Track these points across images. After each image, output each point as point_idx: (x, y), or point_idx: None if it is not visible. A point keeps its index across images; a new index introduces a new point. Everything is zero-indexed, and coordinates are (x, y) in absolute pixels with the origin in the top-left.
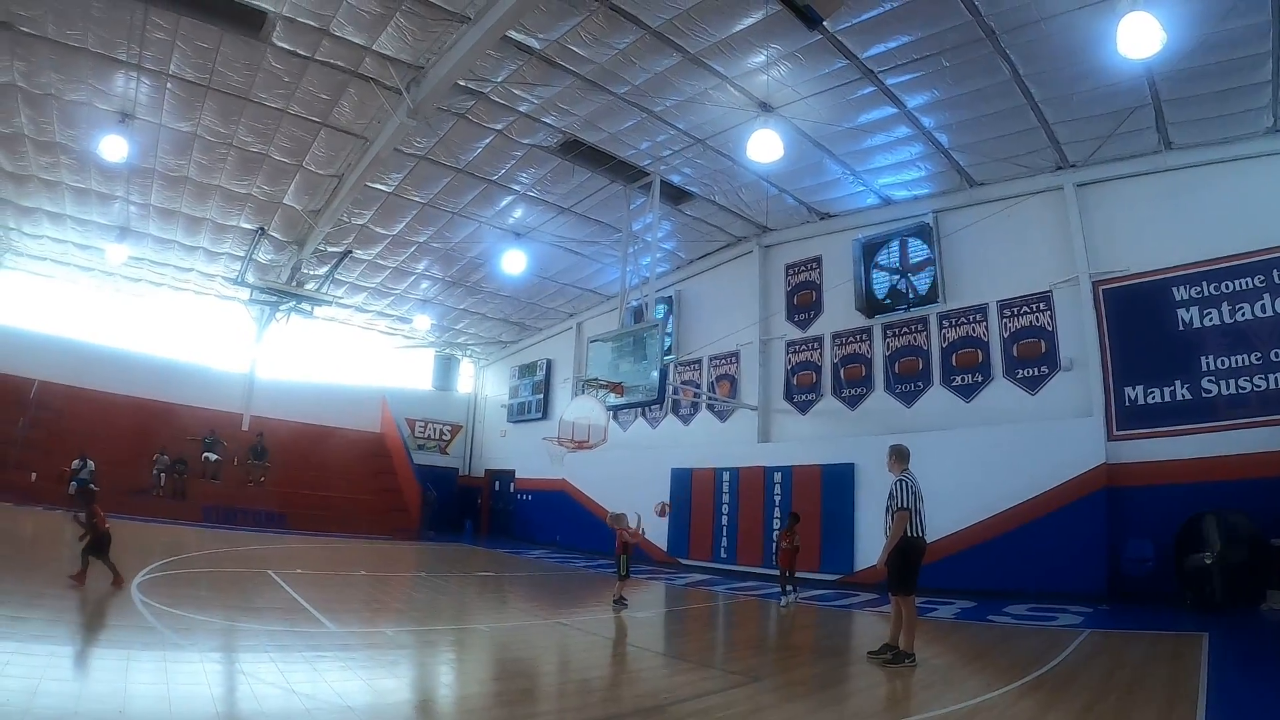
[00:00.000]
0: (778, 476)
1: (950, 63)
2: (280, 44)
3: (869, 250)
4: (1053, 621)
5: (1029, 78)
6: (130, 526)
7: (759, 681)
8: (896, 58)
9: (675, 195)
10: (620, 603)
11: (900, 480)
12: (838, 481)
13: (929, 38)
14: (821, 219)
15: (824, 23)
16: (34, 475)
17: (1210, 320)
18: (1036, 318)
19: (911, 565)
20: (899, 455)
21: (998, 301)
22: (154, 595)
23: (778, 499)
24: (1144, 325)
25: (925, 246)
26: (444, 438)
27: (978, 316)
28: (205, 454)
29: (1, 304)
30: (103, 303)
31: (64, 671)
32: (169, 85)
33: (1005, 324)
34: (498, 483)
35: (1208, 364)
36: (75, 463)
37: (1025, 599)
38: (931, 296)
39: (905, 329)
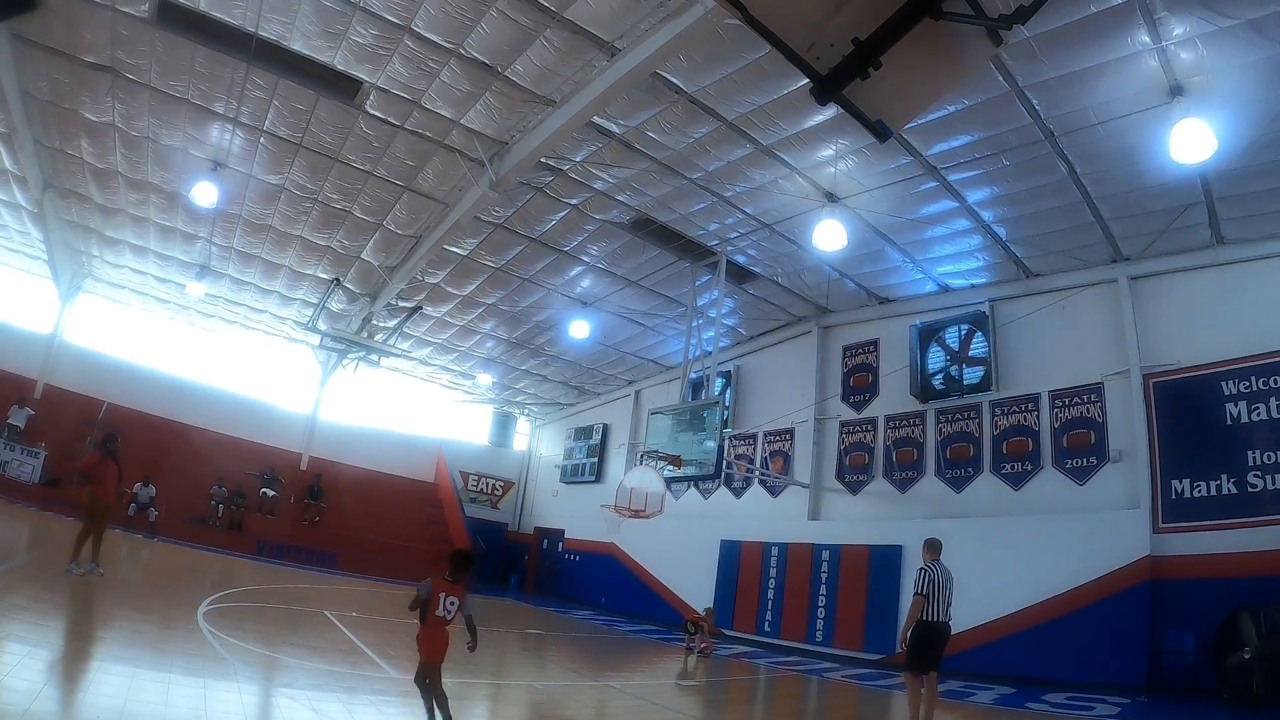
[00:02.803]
0: (825, 554)
1: (1010, 161)
2: (373, 111)
3: (925, 336)
4: (1089, 711)
5: (1086, 176)
6: (187, 553)
7: None
8: (959, 156)
9: (739, 274)
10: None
11: (922, 568)
12: (884, 563)
13: (990, 138)
14: (880, 303)
15: (894, 134)
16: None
17: (1258, 415)
18: (1087, 409)
19: (923, 646)
20: (930, 547)
21: (1049, 391)
22: (221, 627)
23: (824, 576)
24: (1192, 418)
25: (980, 334)
26: (496, 493)
27: (1029, 406)
28: (263, 489)
29: (78, 326)
30: (175, 334)
31: (148, 694)
32: (262, 140)
33: (1056, 414)
34: (546, 541)
35: (1254, 459)
36: (137, 486)
37: (1064, 688)
38: (985, 384)
39: (957, 415)
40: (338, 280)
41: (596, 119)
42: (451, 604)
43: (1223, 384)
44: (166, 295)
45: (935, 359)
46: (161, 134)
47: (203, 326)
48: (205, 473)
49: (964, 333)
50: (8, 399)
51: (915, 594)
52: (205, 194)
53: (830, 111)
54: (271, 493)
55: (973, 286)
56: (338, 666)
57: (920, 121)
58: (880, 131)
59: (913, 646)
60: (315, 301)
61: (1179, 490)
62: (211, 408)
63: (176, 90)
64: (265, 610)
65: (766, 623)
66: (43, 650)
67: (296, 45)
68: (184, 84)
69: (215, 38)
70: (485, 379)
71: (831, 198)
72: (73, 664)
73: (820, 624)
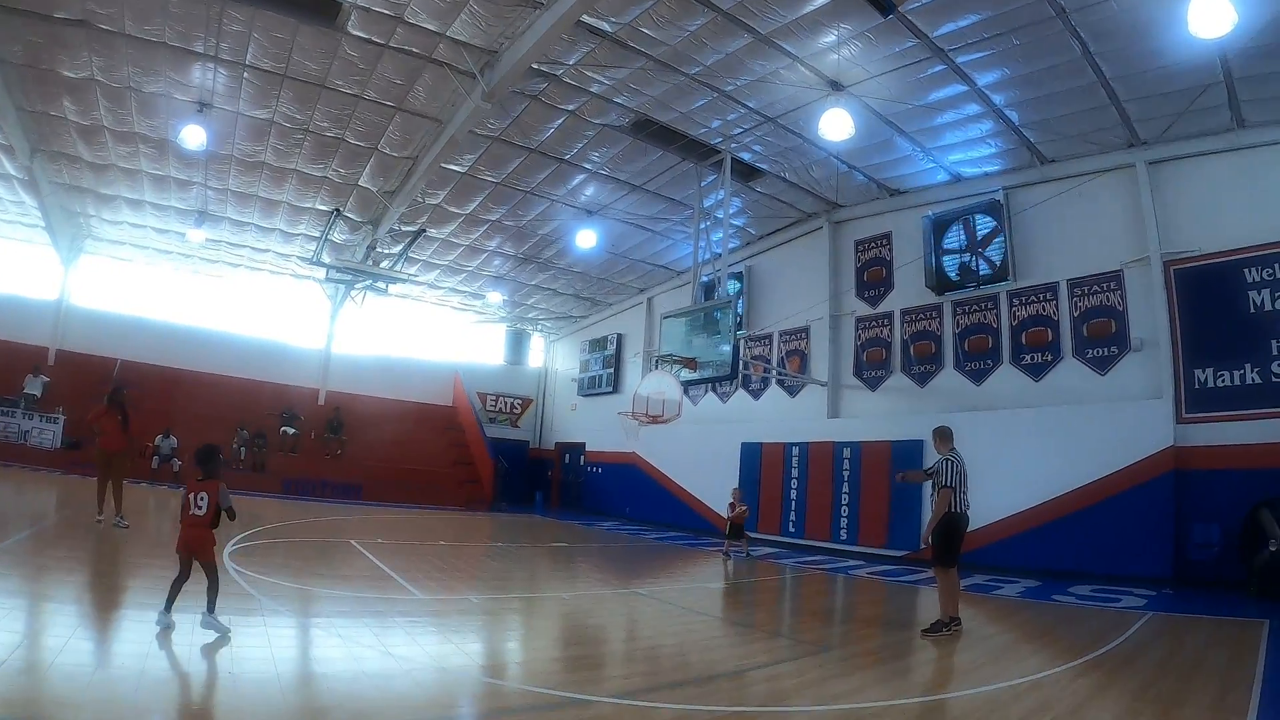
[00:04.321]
0: (846, 452)
1: (1020, 41)
2: (355, 33)
3: (939, 227)
4: (1116, 603)
5: (1099, 55)
6: None
7: (827, 651)
8: (967, 36)
9: (746, 172)
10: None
11: (946, 459)
12: (906, 458)
13: (999, 16)
14: (891, 195)
15: (897, 9)
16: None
17: None
18: (1107, 297)
19: (953, 540)
20: (943, 436)
21: (1068, 280)
22: (246, 564)
23: (846, 474)
24: (1214, 306)
25: (995, 224)
26: (515, 411)
27: (1048, 295)
28: (283, 428)
29: (84, 288)
30: (181, 284)
31: (176, 636)
32: (246, 75)
33: (1075, 303)
34: (568, 455)
35: (1278, 348)
36: (158, 438)
37: (1089, 580)
38: (1001, 274)
39: (975, 307)
40: (338, 211)
41: (586, 18)
42: (202, 499)
43: (1245, 271)
44: (168, 246)
45: (950, 250)
46: (143, 82)
47: (208, 273)
48: (226, 418)
49: (978, 222)
50: (23, 369)
51: (942, 486)
52: (194, 136)
53: None
54: (292, 430)
55: (986, 175)
56: (365, 593)
57: (925, 1)
58: (883, 4)
59: (944, 539)
60: (317, 235)
61: (1202, 380)
62: (225, 353)
63: (153, 35)
64: (292, 545)
65: (791, 523)
66: (70, 605)
67: None
68: (159, 27)
69: None
70: (496, 297)
71: (836, 86)
72: (100, 614)
73: (844, 522)
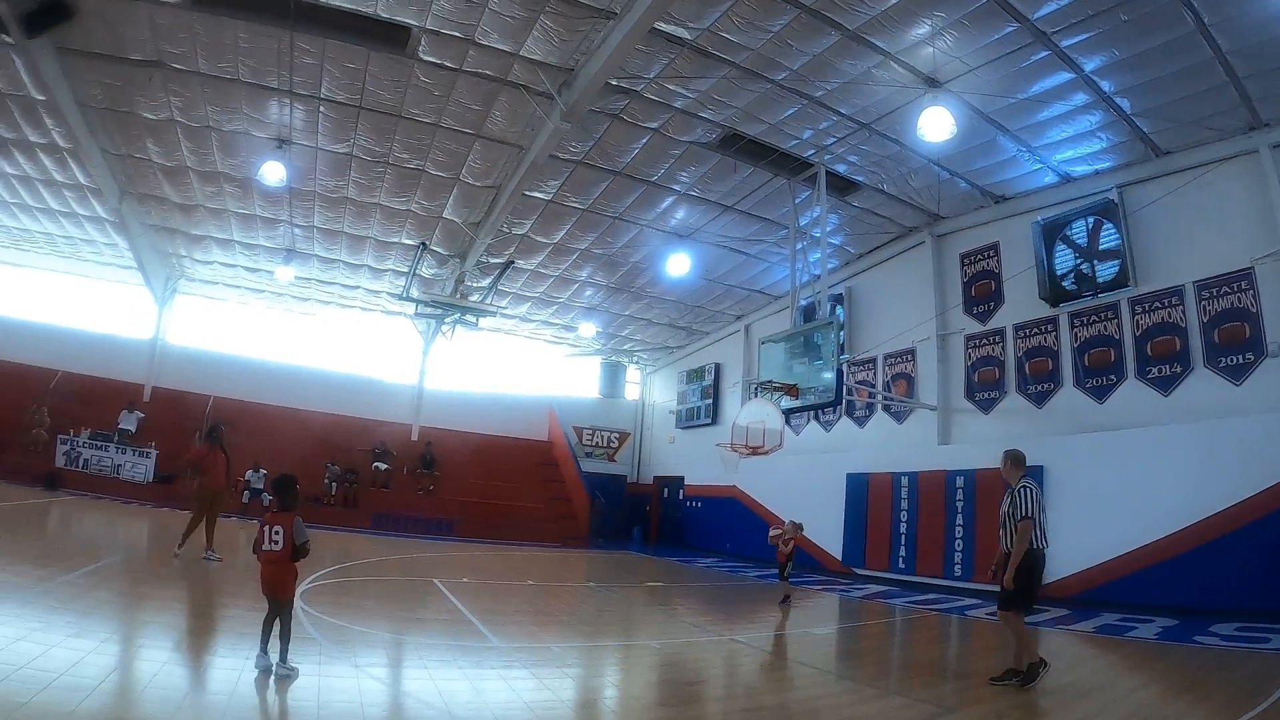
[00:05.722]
0: (960, 480)
1: (1128, 16)
2: (427, 58)
3: (1050, 233)
4: (1266, 643)
5: (1214, 27)
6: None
7: (951, 713)
8: (1070, 15)
9: (842, 186)
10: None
11: (1022, 487)
12: None
13: None
14: (996, 202)
15: None
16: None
17: None
18: (1239, 298)
19: (1034, 580)
20: (1015, 460)
21: (1194, 282)
22: (316, 604)
23: (960, 505)
24: None
25: (1111, 225)
26: (611, 445)
27: (1173, 300)
28: (375, 464)
29: (178, 326)
30: (274, 322)
31: (217, 681)
32: (321, 109)
33: (1204, 306)
34: (666, 490)
35: None
36: (248, 473)
37: (1234, 617)
38: (1121, 280)
39: (1094, 317)
40: (424, 244)
41: (663, 26)
42: (277, 534)
43: None
44: (259, 285)
45: (1063, 257)
46: (222, 120)
47: (300, 311)
48: (317, 453)
49: (1092, 225)
50: (119, 405)
51: (1023, 517)
52: (273, 172)
53: None
54: (384, 466)
55: (1097, 173)
56: (436, 638)
57: None
58: None
59: (1026, 580)
60: (405, 270)
61: None
62: (317, 389)
63: (226, 72)
64: (371, 583)
65: (900, 559)
66: (164, 635)
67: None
68: (232, 64)
69: (251, 9)
70: (589, 329)
71: (933, 83)
72: (192, 644)
73: (958, 557)
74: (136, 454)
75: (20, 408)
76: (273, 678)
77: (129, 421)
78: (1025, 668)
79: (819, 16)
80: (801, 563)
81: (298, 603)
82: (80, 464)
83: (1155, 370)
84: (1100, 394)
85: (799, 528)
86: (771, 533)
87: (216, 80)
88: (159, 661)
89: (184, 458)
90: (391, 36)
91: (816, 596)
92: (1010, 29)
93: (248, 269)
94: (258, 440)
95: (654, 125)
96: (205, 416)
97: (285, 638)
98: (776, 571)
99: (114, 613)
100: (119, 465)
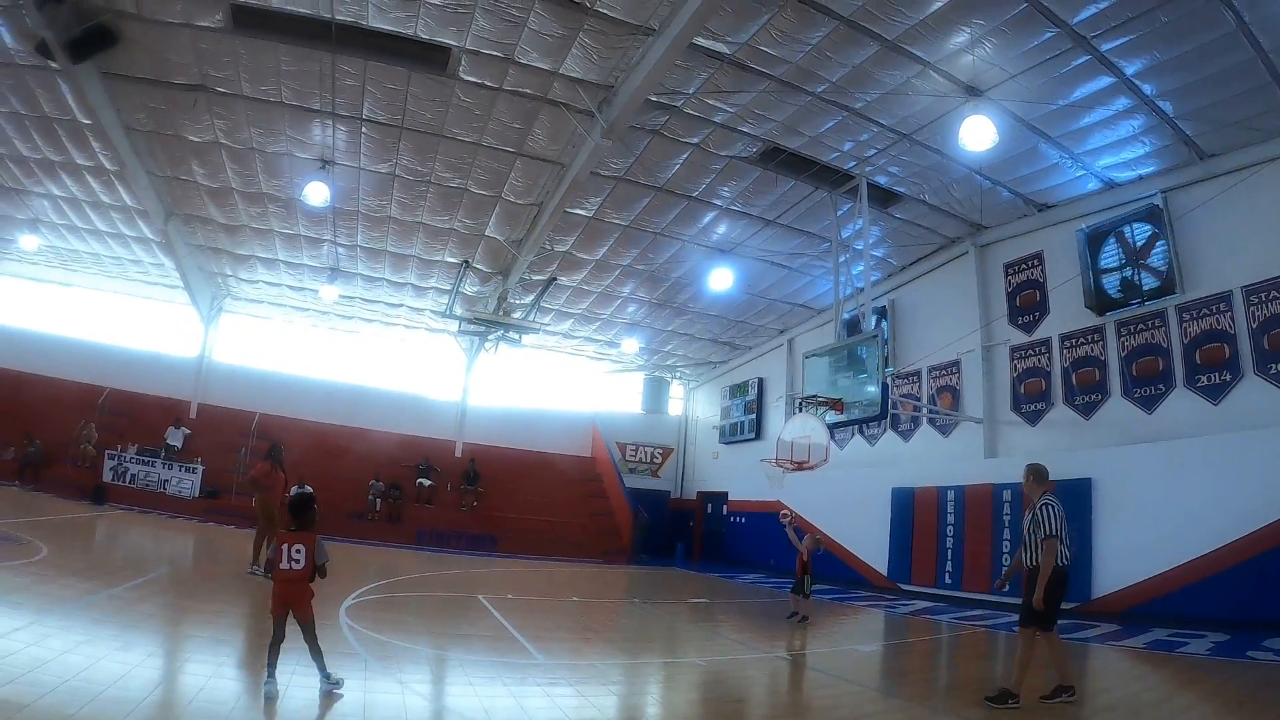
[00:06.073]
0: (1007, 494)
1: (1168, 18)
2: (467, 78)
3: (1094, 241)
4: None
5: (1255, 25)
6: (347, 549)
7: None
8: (1109, 18)
9: (883, 198)
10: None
11: (1044, 504)
12: (1073, 499)
13: None
14: (1039, 211)
15: None
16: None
17: None
18: None
19: (1059, 598)
20: (1038, 475)
21: (1243, 287)
22: (361, 620)
23: (1007, 519)
24: None
25: (1157, 231)
26: (655, 461)
27: (1222, 306)
28: (419, 480)
29: (224, 344)
30: (319, 339)
31: (260, 697)
32: (364, 129)
33: (1254, 312)
34: (710, 505)
35: None
36: (293, 489)
37: None
38: (1168, 287)
39: (1141, 325)
40: (467, 263)
41: (702, 41)
42: (298, 553)
43: None
44: (304, 303)
45: (1109, 265)
46: (265, 142)
47: (344, 329)
48: (361, 469)
49: (1138, 231)
50: (165, 421)
51: (1048, 535)
52: (317, 193)
53: None
54: (428, 482)
55: (1141, 178)
56: (479, 655)
57: None
58: None
59: (1049, 598)
60: (449, 288)
61: None
62: (361, 406)
63: (269, 94)
64: (414, 599)
65: (946, 574)
66: (209, 649)
67: (376, 22)
68: (274, 86)
69: (293, 33)
70: (631, 345)
71: (973, 91)
72: (238, 658)
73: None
74: (183, 469)
75: (69, 424)
76: (319, 694)
77: (175, 437)
78: (1011, 686)
79: (857, 28)
80: (847, 578)
81: (342, 618)
82: (127, 479)
83: (1204, 379)
84: (1149, 404)
85: (818, 542)
86: (782, 513)
87: (260, 103)
88: (205, 675)
89: (247, 475)
90: (432, 57)
91: (864, 612)
92: (1050, 34)
93: (292, 288)
94: (302, 457)
95: (694, 140)
96: (251, 433)
97: (318, 654)
98: (795, 585)
99: (160, 626)
100: (165, 480)
